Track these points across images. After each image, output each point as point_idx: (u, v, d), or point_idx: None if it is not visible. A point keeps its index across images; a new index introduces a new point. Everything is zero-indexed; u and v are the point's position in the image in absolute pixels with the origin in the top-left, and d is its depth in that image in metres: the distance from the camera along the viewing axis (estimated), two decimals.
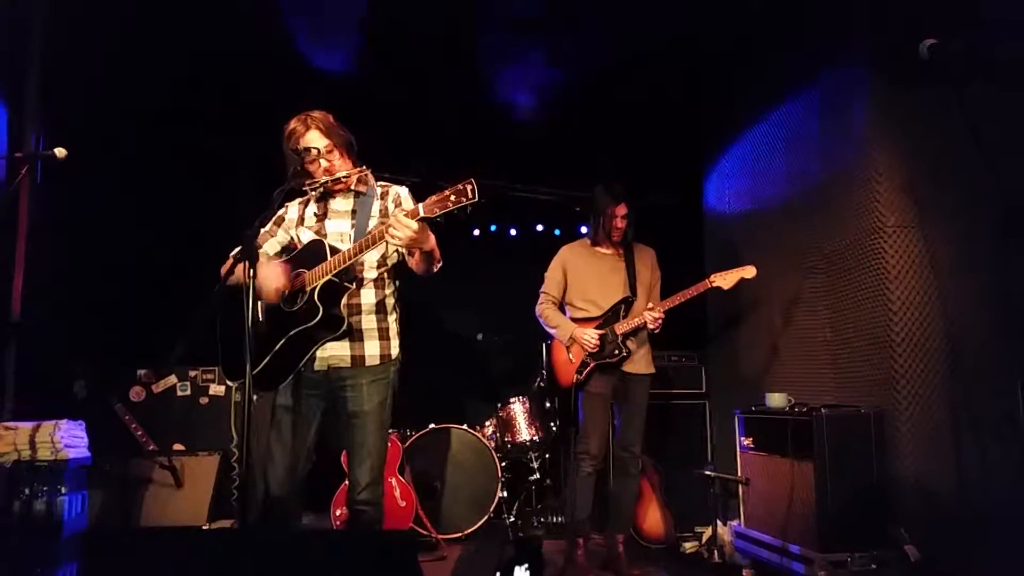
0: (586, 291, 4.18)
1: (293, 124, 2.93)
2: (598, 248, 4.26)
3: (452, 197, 2.52)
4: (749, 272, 3.96)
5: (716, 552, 4.12)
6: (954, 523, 3.23)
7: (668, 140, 5.46)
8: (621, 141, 5.42)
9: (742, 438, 3.96)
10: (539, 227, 6.29)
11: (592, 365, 4.01)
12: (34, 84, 4.20)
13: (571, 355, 4.10)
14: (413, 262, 2.89)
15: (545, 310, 4.25)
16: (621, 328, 4.02)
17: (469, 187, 2.51)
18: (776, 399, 3.78)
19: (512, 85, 5.11)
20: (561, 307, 4.28)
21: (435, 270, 2.93)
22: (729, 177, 5.11)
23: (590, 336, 4.01)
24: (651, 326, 3.97)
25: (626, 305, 4.09)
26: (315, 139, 2.91)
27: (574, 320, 4.16)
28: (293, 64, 4.61)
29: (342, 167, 2.95)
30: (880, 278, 3.48)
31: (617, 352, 4.00)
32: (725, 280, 3.97)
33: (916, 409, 3.34)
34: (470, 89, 5.06)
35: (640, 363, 4.09)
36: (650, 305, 4.02)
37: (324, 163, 2.92)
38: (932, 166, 3.50)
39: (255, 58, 4.65)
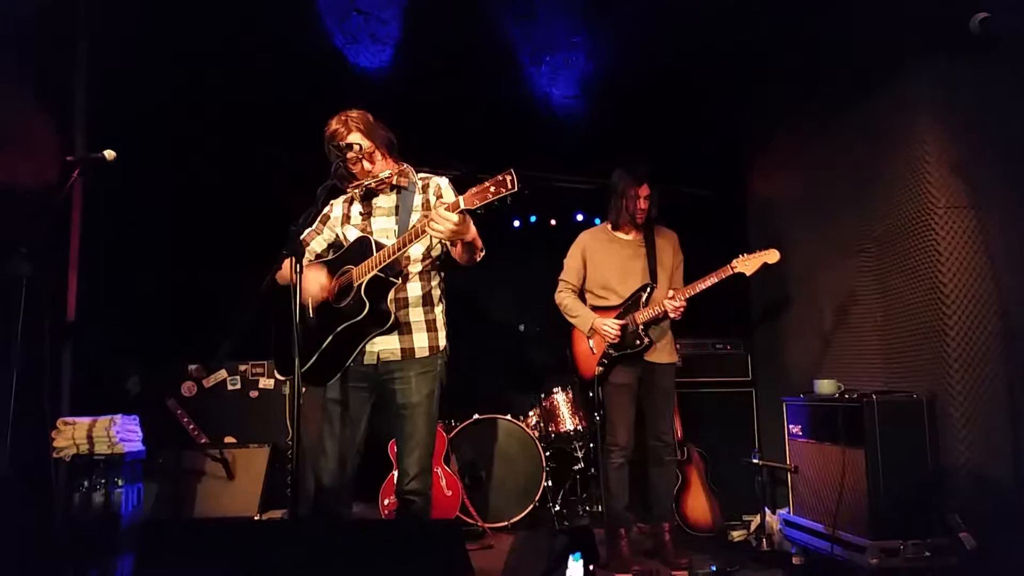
0: (606, 279, 4.10)
1: (334, 125, 2.95)
2: (618, 233, 4.17)
3: (492, 188, 2.53)
4: (772, 256, 3.86)
5: (764, 540, 4.08)
6: (1010, 510, 3.15)
7: (710, 128, 5.38)
8: (662, 129, 5.36)
9: (790, 426, 3.90)
10: (579, 216, 6.26)
11: (614, 355, 3.95)
12: (83, 87, 4.29)
13: (592, 346, 4.05)
14: (456, 253, 2.91)
15: (564, 299, 4.17)
16: (641, 317, 3.94)
17: (508, 178, 2.52)
18: (825, 386, 3.71)
19: (552, 76, 5.09)
20: (581, 295, 4.20)
21: (478, 259, 2.95)
22: (775, 164, 5.02)
23: (610, 326, 3.93)
24: (672, 315, 3.88)
25: (646, 293, 4.00)
26: (357, 141, 2.93)
27: (593, 309, 4.09)
28: (332, 60, 4.65)
29: (383, 167, 2.99)
30: (931, 260, 3.39)
31: (639, 342, 3.93)
32: (747, 265, 3.86)
33: (970, 394, 3.26)
34: (510, 80, 5.05)
35: (663, 352, 4.03)
36: (671, 293, 3.92)
37: (366, 164, 2.95)
38: (984, 144, 3.40)
39: (295, 56, 4.69)
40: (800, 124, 4.63)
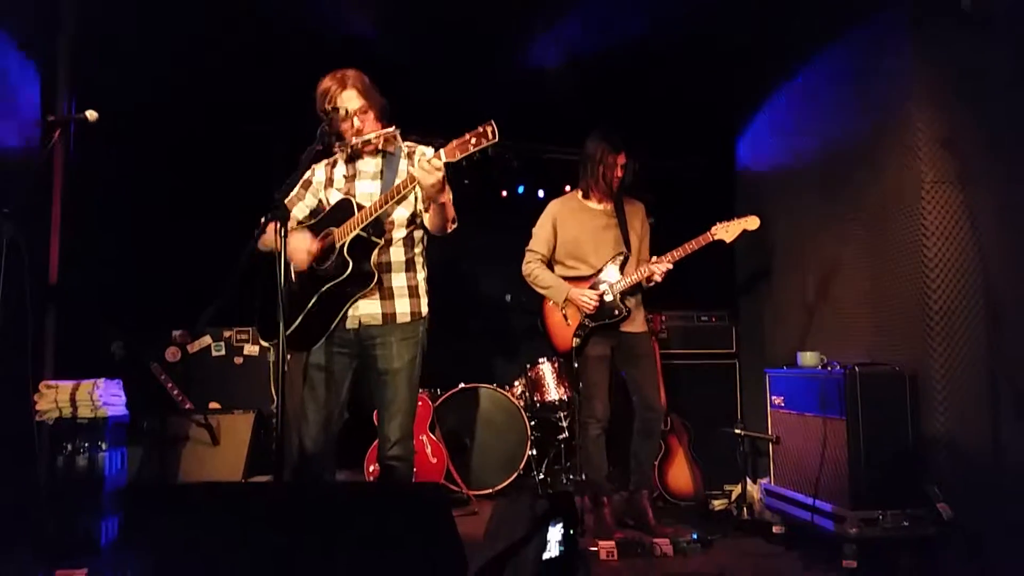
0: (578, 249, 4.05)
1: (328, 82, 2.91)
2: (589, 202, 4.12)
3: (473, 140, 2.52)
4: (752, 223, 3.86)
5: (745, 509, 4.13)
6: (988, 482, 3.21)
7: (700, 101, 5.35)
8: (652, 101, 5.33)
9: (773, 397, 3.94)
10: (567, 188, 6.22)
11: (591, 326, 3.90)
12: (65, 48, 4.21)
13: (567, 317, 3.99)
14: (428, 218, 2.88)
15: (534, 269, 4.09)
16: (618, 287, 3.91)
17: (489, 128, 2.51)
18: (808, 358, 3.74)
19: (544, 47, 5.03)
20: (549, 266, 4.14)
21: (449, 230, 2.92)
22: (763, 135, 5.01)
23: (589, 296, 3.88)
24: (658, 278, 3.85)
25: (621, 261, 3.97)
26: (351, 98, 2.90)
27: (564, 280, 4.03)
28: (322, 28, 4.57)
29: (372, 129, 2.94)
30: (917, 234, 3.41)
31: (617, 312, 3.89)
32: (727, 232, 3.86)
33: (952, 368, 3.29)
34: (501, 50, 4.98)
35: (637, 322, 4.01)
36: (654, 259, 3.89)
37: (357, 123, 2.91)
38: (974, 120, 3.40)
39: (284, 23, 4.61)
40: (788, 96, 4.62)
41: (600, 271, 3.98)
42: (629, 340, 4.00)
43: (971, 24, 3.35)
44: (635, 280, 3.89)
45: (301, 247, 2.85)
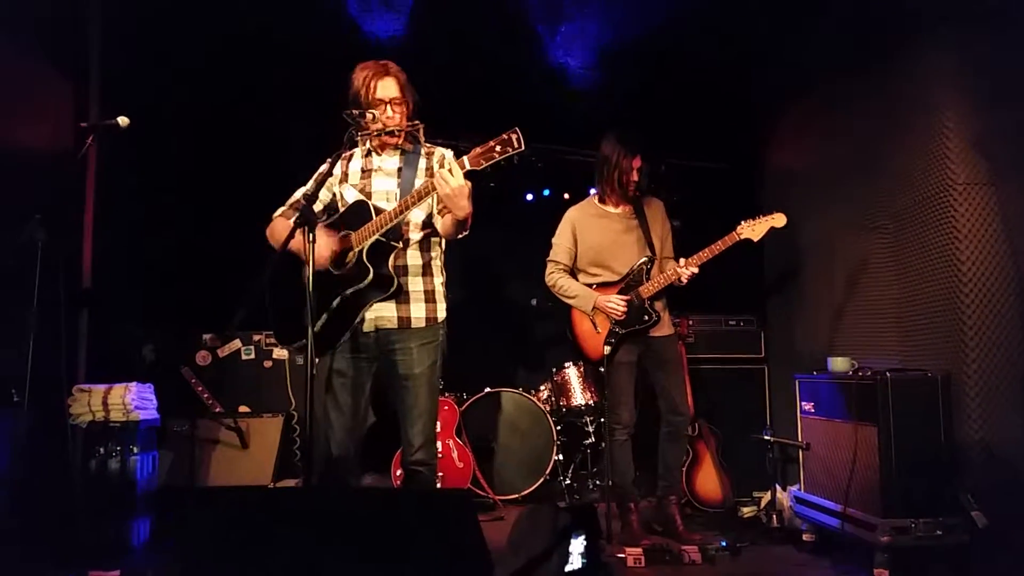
0: (600, 255, 4.01)
1: (369, 69, 2.89)
2: (607, 207, 4.07)
3: (498, 148, 2.50)
4: (779, 220, 3.79)
5: (775, 517, 4.08)
6: (1023, 490, 3.14)
7: (725, 101, 5.31)
8: (677, 101, 5.30)
9: (803, 403, 3.89)
10: (592, 190, 6.20)
11: (621, 333, 3.86)
12: (96, 54, 4.29)
13: (596, 325, 3.95)
14: (440, 222, 2.86)
15: (558, 280, 4.05)
16: (647, 291, 3.87)
17: (515, 136, 2.49)
18: (839, 363, 3.69)
19: (566, 48, 5.03)
20: (571, 275, 4.10)
21: (460, 236, 2.88)
22: (789, 137, 4.96)
23: (616, 303, 3.84)
24: (684, 281, 3.81)
25: (647, 267, 3.92)
26: (390, 88, 2.89)
27: (589, 287, 3.99)
28: (346, 29, 4.61)
29: (402, 124, 2.92)
30: (949, 237, 3.35)
31: (647, 318, 3.86)
32: (754, 231, 3.79)
33: (985, 373, 3.23)
34: (523, 52, 4.99)
35: (664, 325, 3.97)
36: (682, 262, 3.82)
37: (390, 112, 2.89)
38: (1006, 119, 3.33)
39: (309, 25, 4.65)
40: (815, 96, 4.56)
41: (629, 276, 3.94)
42: (656, 344, 3.97)
43: (1001, 23, 3.29)
44: (663, 284, 3.86)
45: (322, 249, 2.83)
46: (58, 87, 4.07)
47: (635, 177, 3.95)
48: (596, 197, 4.14)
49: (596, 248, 4.03)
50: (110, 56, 4.33)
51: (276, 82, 5.03)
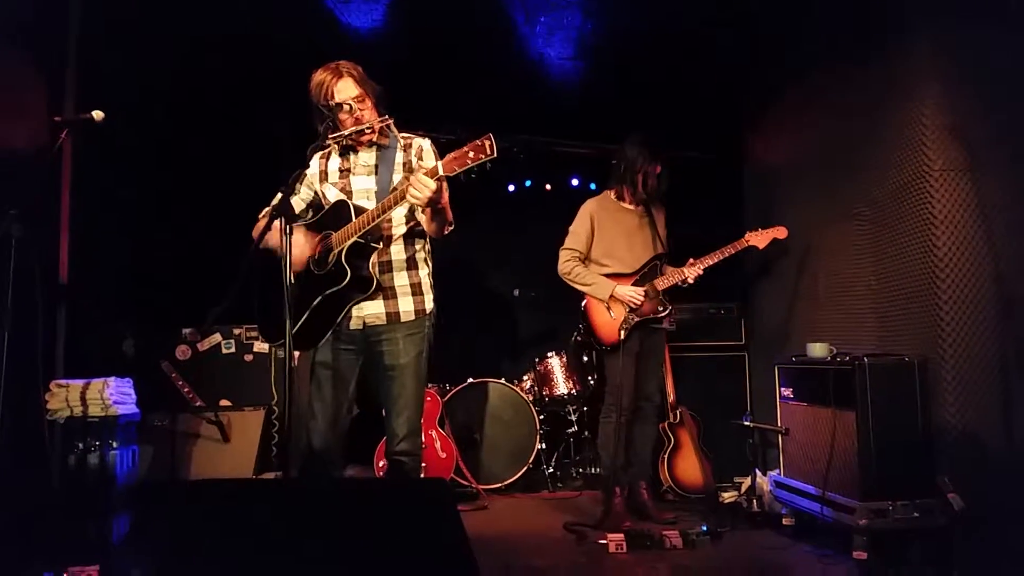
0: (613, 247, 4.17)
1: (322, 74, 2.89)
2: (623, 203, 4.25)
3: (471, 154, 2.50)
4: (781, 233, 4.14)
5: (755, 501, 4.12)
6: (1000, 473, 3.18)
7: (706, 94, 5.33)
8: (659, 95, 5.31)
9: (782, 388, 3.92)
10: (575, 181, 6.22)
11: (636, 321, 4.02)
12: (72, 47, 4.23)
13: (612, 312, 4.08)
14: (426, 222, 2.86)
15: (574, 267, 4.18)
16: (661, 284, 4.06)
17: (487, 143, 2.49)
18: (817, 349, 3.72)
19: (549, 38, 5.02)
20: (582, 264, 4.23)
21: (446, 232, 2.90)
22: (771, 128, 4.98)
23: (634, 293, 4.02)
24: (691, 281, 4.05)
25: (660, 262, 4.14)
26: (347, 88, 2.87)
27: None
28: (323, 21, 4.57)
29: (370, 119, 2.91)
30: (926, 224, 3.38)
31: (661, 309, 4.05)
32: (760, 240, 4.13)
33: (962, 357, 3.26)
34: (504, 41, 4.98)
35: (667, 320, 4.18)
36: (691, 261, 4.07)
37: (355, 112, 2.88)
38: (983, 106, 3.36)
39: (286, 18, 4.61)
40: (797, 87, 4.58)
41: (644, 269, 4.12)
42: (655, 336, 4.18)
43: (976, 13, 3.31)
44: (675, 280, 4.06)
45: (302, 255, 2.85)
46: (32, 80, 4.01)
47: (653, 182, 4.12)
48: (613, 192, 4.28)
49: (611, 240, 4.18)
50: (86, 49, 4.27)
51: (254, 77, 4.98)
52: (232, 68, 4.95)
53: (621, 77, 5.33)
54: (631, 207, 4.24)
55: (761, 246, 4.15)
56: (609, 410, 4.10)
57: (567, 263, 4.20)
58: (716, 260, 4.08)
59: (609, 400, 4.10)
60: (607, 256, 4.18)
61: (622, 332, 3.96)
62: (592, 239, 4.20)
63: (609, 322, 4.08)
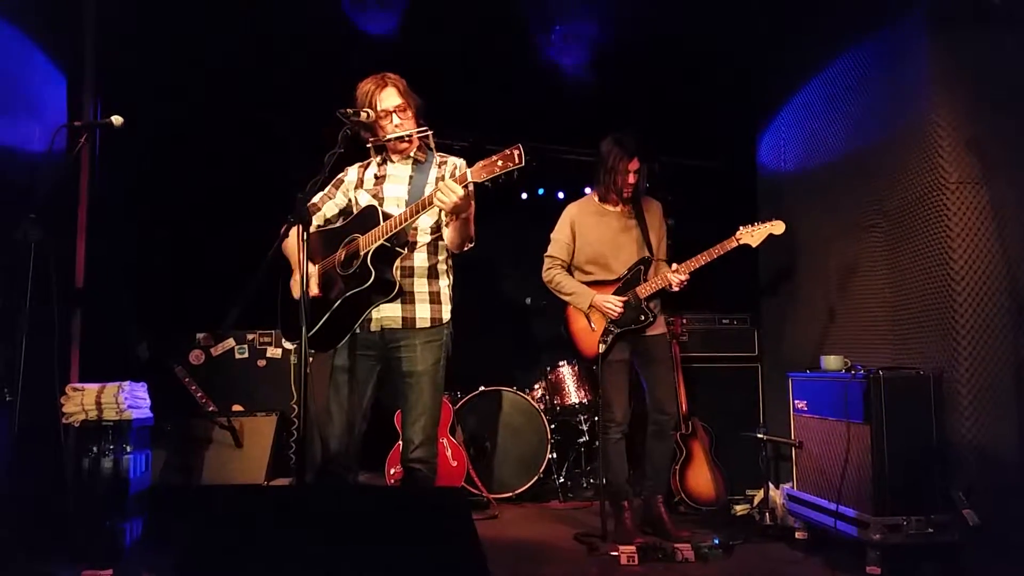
0: (597, 253, 4.01)
1: (368, 84, 2.97)
2: (607, 206, 4.07)
3: (500, 163, 2.54)
4: (778, 228, 3.80)
5: (768, 515, 4.09)
6: (1016, 488, 3.15)
7: (721, 101, 5.32)
8: (671, 101, 5.31)
9: (796, 401, 3.90)
10: (587, 190, 6.20)
11: (616, 332, 3.87)
12: (91, 51, 4.27)
13: (592, 323, 3.96)
14: (447, 233, 2.91)
15: (556, 275, 4.05)
16: (644, 291, 3.87)
17: (516, 152, 2.53)
18: (832, 362, 3.70)
19: (560, 46, 5.02)
20: (568, 271, 4.10)
21: (466, 248, 2.95)
22: (784, 137, 4.96)
23: (613, 303, 3.85)
24: (675, 289, 3.81)
25: (645, 267, 3.92)
26: (391, 97, 2.96)
27: (586, 285, 4.00)
28: (340, 27, 4.60)
29: (410, 128, 3.00)
30: (942, 236, 3.36)
31: (643, 318, 3.86)
32: (753, 237, 3.80)
33: (978, 371, 3.24)
34: (519, 49, 4.99)
35: (658, 325, 3.96)
36: (674, 267, 3.83)
37: (396, 120, 2.97)
38: (999, 119, 3.35)
39: (303, 23, 4.64)
40: (810, 96, 4.57)
41: (627, 275, 3.94)
42: (648, 343, 3.97)
43: (994, 23, 3.30)
44: (658, 287, 3.86)
45: (315, 285, 2.93)
46: (52, 85, 4.05)
47: (631, 180, 3.94)
48: (596, 195, 4.12)
49: (594, 246, 4.02)
50: (105, 54, 4.31)
51: (272, 82, 5.01)
52: (251, 72, 4.97)
53: (634, 86, 5.33)
54: (615, 208, 4.04)
55: (755, 243, 3.81)
56: (606, 426, 3.94)
57: (548, 271, 4.09)
58: (704, 262, 3.78)
59: (606, 416, 3.93)
60: (591, 263, 4.02)
61: (601, 345, 3.82)
62: (573, 245, 4.05)
63: (589, 333, 3.95)
